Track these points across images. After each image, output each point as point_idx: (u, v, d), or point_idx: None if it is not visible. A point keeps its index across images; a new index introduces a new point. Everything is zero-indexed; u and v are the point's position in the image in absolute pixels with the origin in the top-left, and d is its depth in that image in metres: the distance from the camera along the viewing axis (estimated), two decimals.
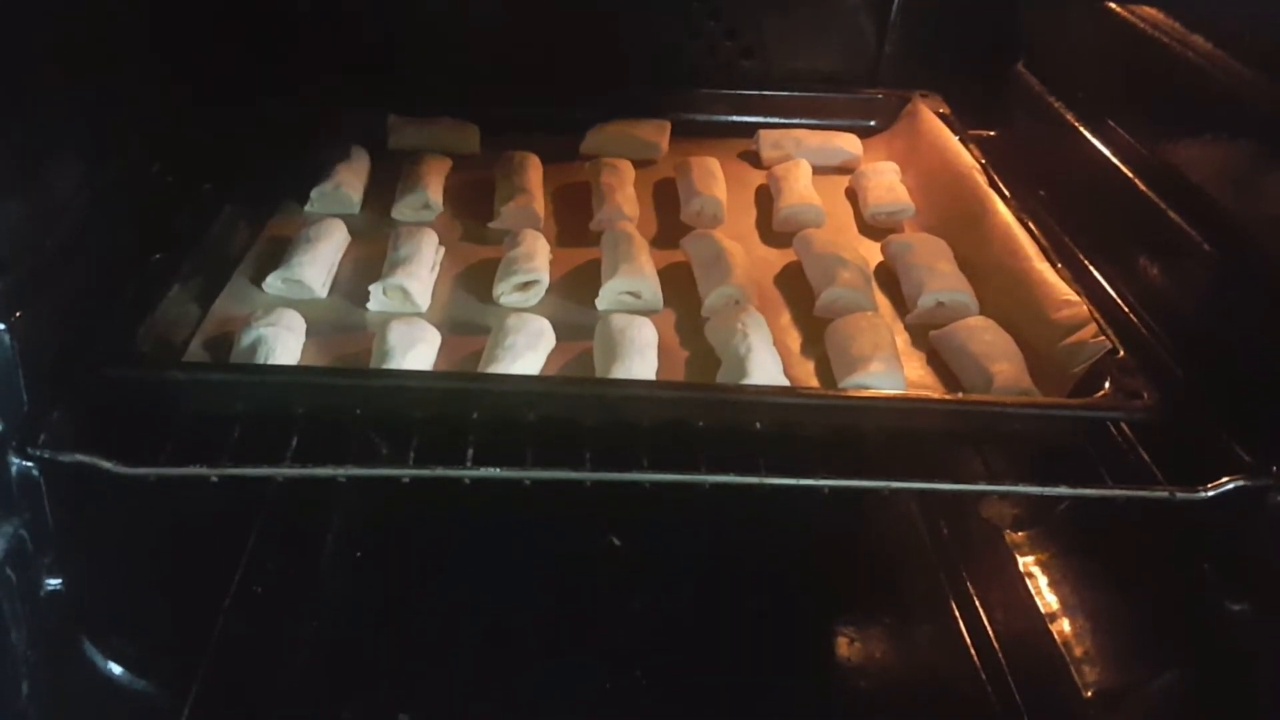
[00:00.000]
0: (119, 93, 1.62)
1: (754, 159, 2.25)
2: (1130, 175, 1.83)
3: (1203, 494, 1.41)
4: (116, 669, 1.54)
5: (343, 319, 1.70)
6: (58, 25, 1.45)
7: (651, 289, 1.76)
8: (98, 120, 1.55)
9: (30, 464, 1.31)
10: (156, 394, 1.44)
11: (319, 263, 1.75)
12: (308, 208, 1.96)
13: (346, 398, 1.46)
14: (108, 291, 1.50)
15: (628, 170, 2.10)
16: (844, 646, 1.86)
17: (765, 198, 2.11)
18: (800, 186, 2.05)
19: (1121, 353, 1.53)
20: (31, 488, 1.33)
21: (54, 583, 1.40)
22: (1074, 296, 1.64)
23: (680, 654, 1.80)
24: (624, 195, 2.01)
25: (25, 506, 1.33)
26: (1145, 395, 1.46)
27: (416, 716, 1.67)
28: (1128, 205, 1.81)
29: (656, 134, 2.25)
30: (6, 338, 1.25)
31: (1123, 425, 1.54)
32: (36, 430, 1.32)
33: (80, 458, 1.32)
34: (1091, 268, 1.86)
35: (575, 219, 2.01)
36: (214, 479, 1.37)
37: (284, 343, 1.53)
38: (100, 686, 1.52)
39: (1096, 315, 1.60)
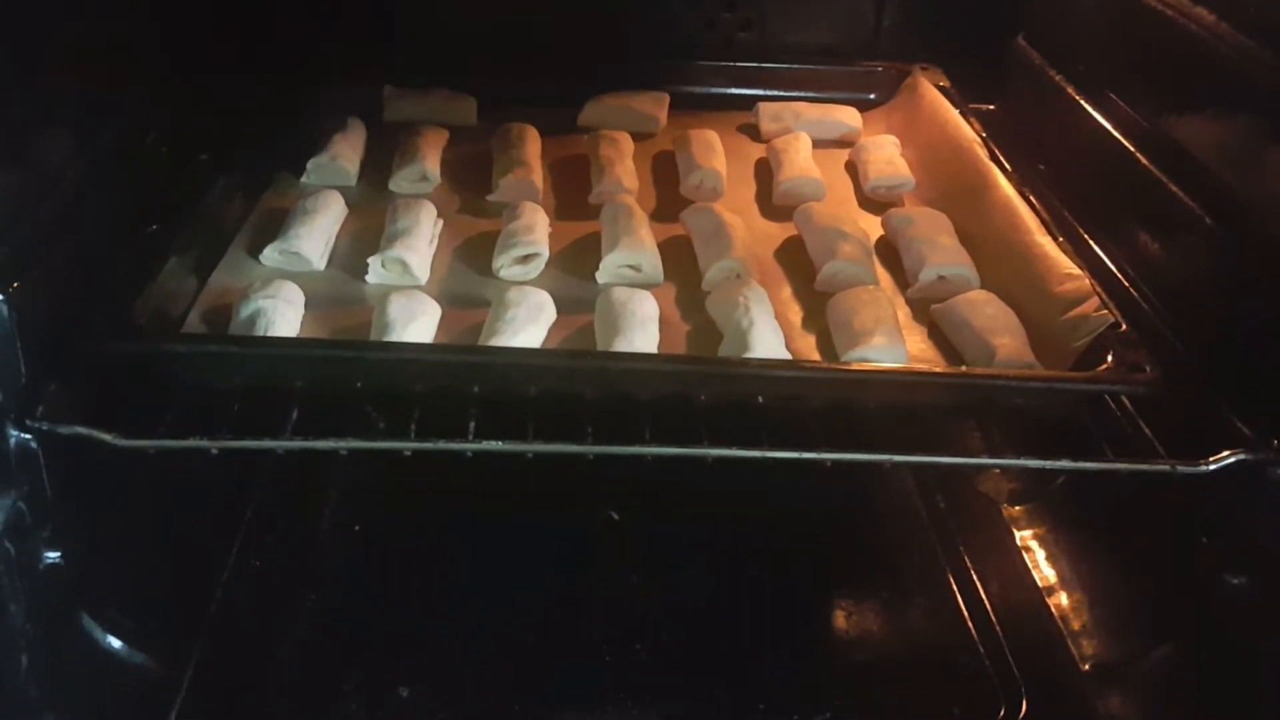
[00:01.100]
0: (112, 63, 1.60)
1: (753, 132, 2.24)
2: (1131, 148, 1.82)
3: (1204, 468, 1.41)
4: (115, 642, 1.54)
5: (341, 291, 1.69)
6: None
7: (652, 262, 1.75)
8: (90, 90, 1.54)
9: (28, 436, 1.31)
10: (155, 366, 1.43)
11: (316, 235, 1.73)
12: (304, 179, 1.95)
13: (347, 370, 1.45)
14: (104, 263, 1.49)
15: (627, 143, 2.09)
16: (842, 620, 1.86)
17: (765, 171, 2.10)
18: (800, 160, 2.04)
19: (1123, 326, 1.53)
20: (30, 460, 1.32)
21: (53, 556, 1.39)
22: (1076, 270, 1.63)
23: (679, 627, 1.80)
24: (623, 168, 2.00)
25: (24, 479, 1.32)
26: (1147, 369, 1.46)
27: (416, 689, 1.67)
28: (1128, 179, 1.80)
29: (655, 107, 2.23)
30: (4, 309, 1.24)
31: (1123, 399, 1.55)
32: (34, 402, 1.31)
33: (79, 430, 1.31)
34: (1091, 241, 1.85)
35: (574, 192, 2.00)
36: (214, 451, 1.36)
37: (283, 315, 1.52)
38: (99, 660, 1.52)
39: (1098, 289, 1.60)
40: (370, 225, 1.81)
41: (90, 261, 1.46)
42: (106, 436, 1.32)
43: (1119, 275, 1.77)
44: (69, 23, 1.47)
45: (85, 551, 1.44)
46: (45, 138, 1.43)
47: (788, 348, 1.56)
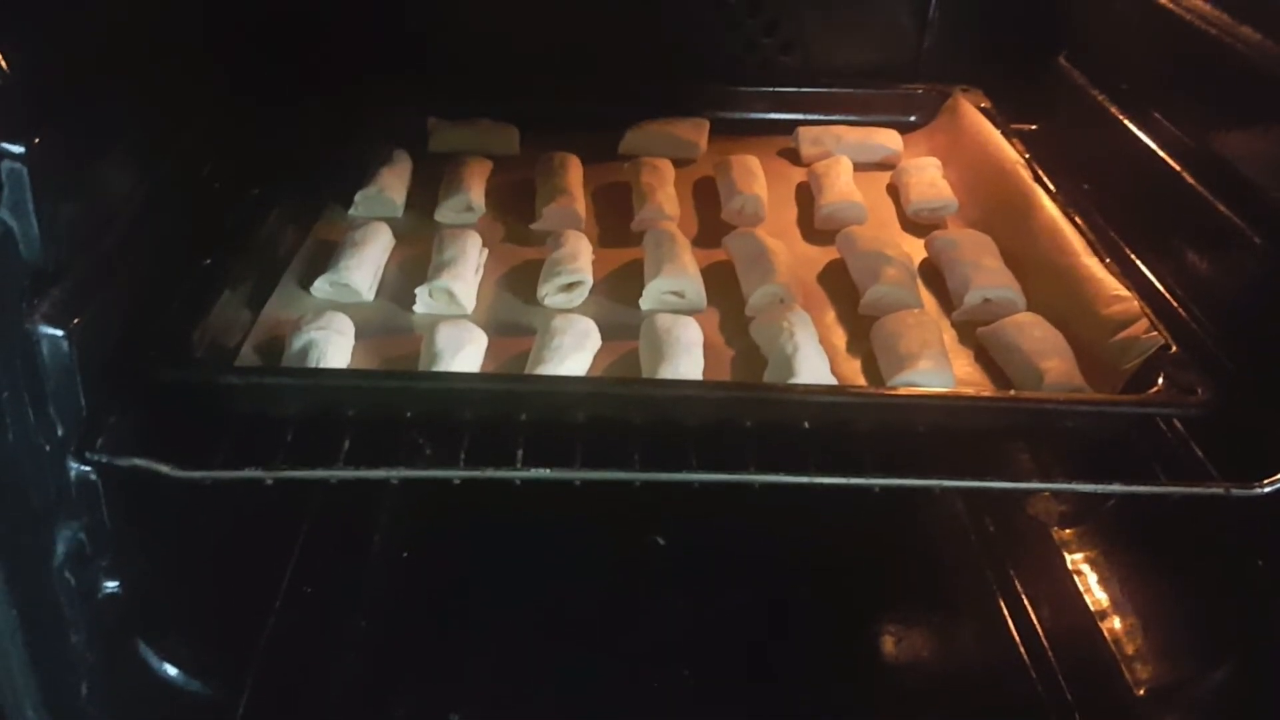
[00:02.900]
0: (169, 96, 1.63)
1: (794, 156, 2.24)
2: (1177, 167, 1.80)
3: (1258, 490, 1.40)
4: (171, 670, 1.55)
5: (390, 321, 1.71)
6: (110, 30, 1.46)
7: (695, 288, 1.76)
8: (149, 123, 1.57)
9: (88, 468, 1.33)
10: (212, 398, 1.46)
11: (366, 266, 1.76)
12: (352, 211, 1.98)
13: (397, 400, 1.47)
14: (160, 296, 1.52)
15: (668, 169, 2.10)
16: (890, 644, 1.85)
17: (806, 195, 2.11)
18: (841, 183, 2.05)
19: (1174, 348, 1.51)
20: (90, 491, 1.35)
21: (111, 585, 1.42)
22: (1124, 291, 1.62)
23: (726, 651, 1.80)
24: (665, 194, 2.01)
25: (84, 510, 1.34)
26: (1199, 391, 1.44)
27: (466, 713, 1.68)
28: (1174, 198, 1.79)
29: (695, 133, 2.25)
30: (65, 344, 1.26)
31: (1175, 421, 1.53)
32: (94, 434, 1.33)
33: (138, 462, 1.34)
34: (1139, 261, 1.84)
35: (616, 219, 2.01)
36: (269, 481, 1.38)
37: (335, 346, 1.54)
38: (156, 687, 1.54)
39: (1147, 310, 1.58)
40: (417, 255, 1.84)
41: (148, 294, 1.49)
42: (164, 468, 1.35)
43: (1167, 295, 1.75)
44: (127, 59, 1.50)
45: (143, 580, 1.46)
46: (104, 173, 1.45)
47: (833, 372, 1.56)
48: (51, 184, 1.22)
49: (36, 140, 1.18)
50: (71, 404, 1.30)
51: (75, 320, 1.27)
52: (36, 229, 1.20)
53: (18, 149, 1.17)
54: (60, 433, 1.28)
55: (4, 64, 1.14)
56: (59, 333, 1.25)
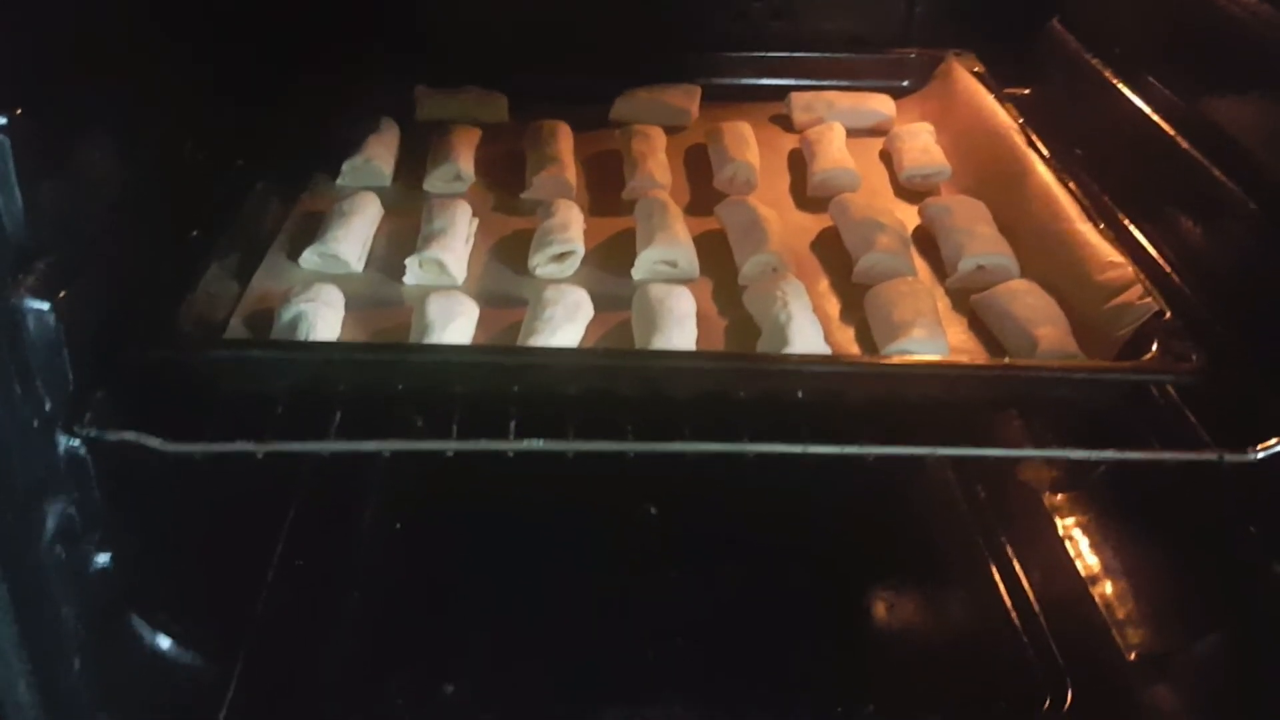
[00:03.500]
0: (152, 72, 1.60)
1: (786, 123, 2.22)
2: (1171, 132, 1.79)
3: (1251, 456, 1.40)
4: (164, 643, 1.55)
5: (380, 293, 1.70)
6: (93, 5, 1.44)
7: (688, 258, 1.75)
8: (128, 99, 1.54)
9: (77, 442, 1.32)
10: (200, 372, 1.45)
11: (354, 237, 1.74)
12: (339, 181, 1.96)
13: (389, 372, 1.46)
14: (146, 270, 1.50)
15: (659, 137, 2.08)
16: (884, 612, 1.86)
17: (798, 162, 2.09)
18: (834, 150, 2.03)
19: (1168, 314, 1.51)
20: (79, 466, 1.34)
21: (102, 559, 1.41)
22: (1118, 257, 1.62)
23: (721, 622, 1.80)
24: (656, 162, 2.00)
25: (73, 485, 1.34)
26: (1193, 357, 1.44)
27: (460, 686, 1.69)
28: (1169, 163, 1.78)
29: (686, 100, 2.23)
30: (51, 318, 1.25)
31: (1168, 388, 1.53)
32: (82, 409, 1.32)
33: (127, 436, 1.33)
34: (1132, 227, 1.83)
35: (607, 188, 2.00)
36: (260, 455, 1.38)
37: (324, 318, 1.53)
38: (148, 661, 1.54)
39: (1141, 276, 1.58)
40: (406, 226, 1.82)
41: (133, 268, 1.47)
42: (154, 442, 1.34)
43: (1161, 261, 1.74)
44: (111, 35, 1.48)
45: (134, 555, 1.45)
46: (86, 148, 1.43)
47: (826, 341, 1.56)
48: (34, 157, 1.20)
49: (19, 113, 1.16)
50: (59, 379, 1.29)
51: (61, 294, 1.26)
52: (20, 203, 1.19)
53: (0, 121, 1.15)
54: (48, 407, 1.27)
55: None
56: (45, 306, 1.24)
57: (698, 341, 1.56)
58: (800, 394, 1.46)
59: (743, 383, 1.47)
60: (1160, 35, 1.90)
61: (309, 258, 1.72)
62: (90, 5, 1.44)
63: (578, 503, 1.90)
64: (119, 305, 1.41)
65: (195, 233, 1.63)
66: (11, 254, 1.20)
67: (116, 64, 1.49)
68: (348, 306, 1.61)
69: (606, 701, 1.68)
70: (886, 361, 1.52)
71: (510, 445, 1.39)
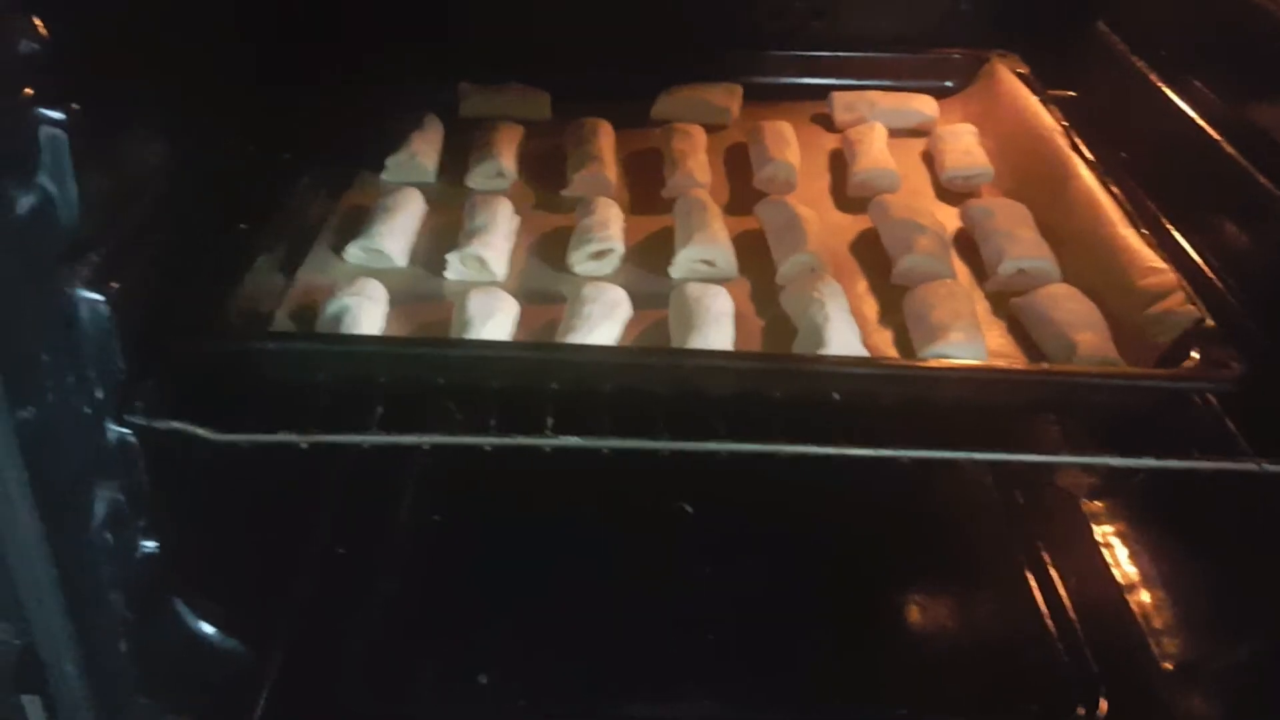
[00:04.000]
0: (202, 68, 1.63)
1: (827, 122, 2.22)
2: (1216, 136, 1.78)
3: None
4: (207, 628, 1.58)
5: (422, 288, 1.72)
6: (146, 3, 1.47)
7: (726, 257, 1.75)
8: (179, 93, 1.57)
9: (127, 431, 1.35)
10: (246, 363, 1.47)
11: (398, 232, 1.77)
12: (384, 176, 1.98)
13: (429, 367, 1.48)
14: (196, 262, 1.53)
15: (699, 136, 2.09)
16: (917, 615, 1.86)
17: (839, 162, 2.09)
18: (875, 150, 2.03)
19: (1209, 321, 1.49)
20: (128, 453, 1.36)
21: (149, 545, 1.43)
22: (1160, 263, 1.60)
23: (752, 619, 1.81)
24: (696, 161, 2.00)
25: (122, 472, 1.37)
26: (1233, 365, 1.43)
27: (494, 676, 1.71)
28: (1213, 167, 1.76)
29: (727, 98, 2.23)
30: (104, 308, 1.27)
31: (1208, 395, 1.51)
32: (132, 398, 1.35)
33: (176, 425, 1.35)
34: (1175, 232, 1.81)
35: (647, 186, 2.00)
36: (303, 446, 1.40)
37: (367, 312, 1.55)
38: (192, 645, 1.57)
39: (1183, 283, 1.57)
40: (449, 221, 1.84)
41: (183, 260, 1.50)
42: (201, 431, 1.37)
43: (1204, 267, 1.73)
44: (162, 31, 1.51)
45: (179, 541, 1.48)
46: (136, 142, 1.46)
47: (864, 343, 1.56)
48: (90, 151, 1.23)
49: (75, 107, 1.19)
50: (110, 368, 1.32)
51: (113, 285, 1.29)
52: (75, 195, 1.21)
53: (58, 115, 1.18)
54: (99, 396, 1.30)
55: (45, 33, 1.15)
56: (98, 297, 1.27)
57: (735, 341, 1.57)
58: (836, 395, 1.46)
59: (778, 383, 1.47)
60: (1205, 38, 1.88)
61: (354, 252, 1.74)
62: (146, 4, 1.48)
63: (612, 498, 1.91)
64: (168, 296, 1.44)
65: (243, 225, 1.65)
66: (66, 245, 1.23)
67: (168, 58, 1.52)
68: (391, 301, 1.64)
69: (635, 694, 1.70)
70: (923, 364, 1.52)
71: (546, 441, 1.41)
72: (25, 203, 1.16)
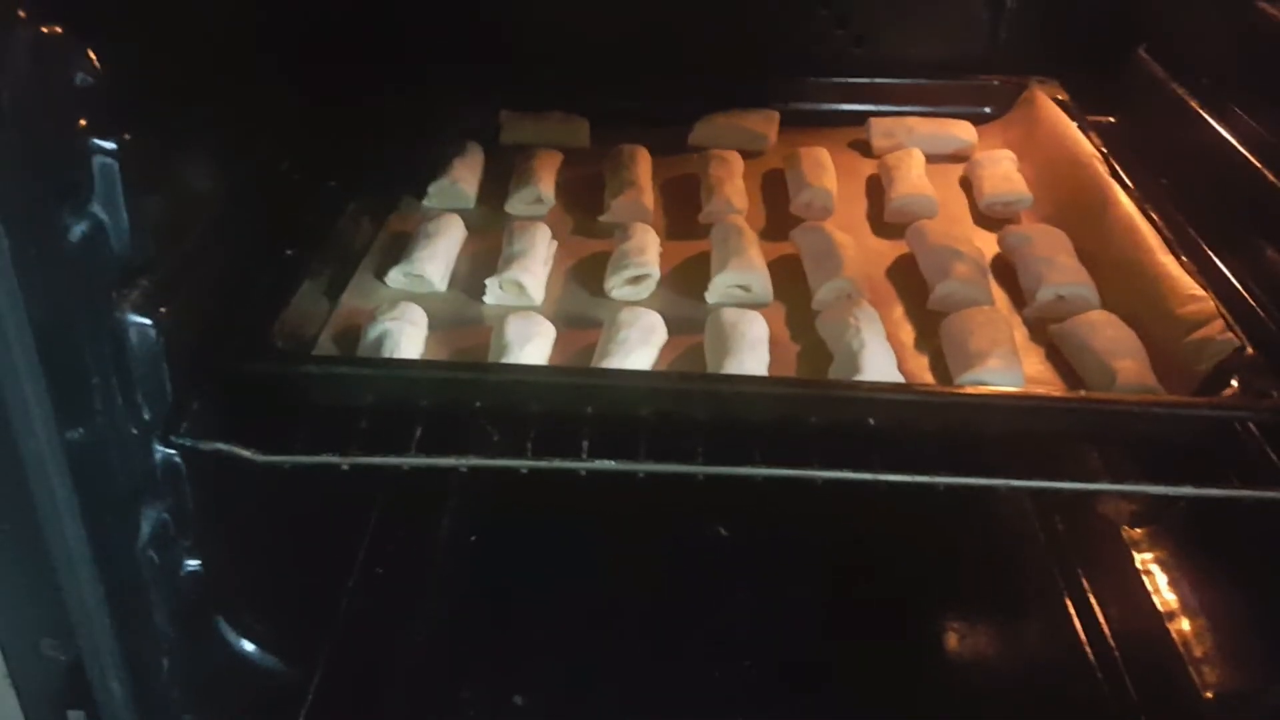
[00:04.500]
0: (251, 96, 1.68)
1: (864, 148, 2.22)
2: (1256, 164, 1.76)
3: None
4: (249, 646, 1.60)
5: (461, 312, 1.75)
6: (196, 33, 1.51)
7: (762, 282, 1.76)
8: (232, 122, 1.61)
9: (173, 452, 1.38)
10: (290, 386, 1.50)
11: (439, 257, 1.79)
12: (426, 202, 2.01)
13: (468, 391, 1.50)
14: (243, 286, 1.56)
15: (736, 162, 2.10)
16: (955, 641, 1.85)
17: (876, 188, 2.09)
18: (913, 176, 2.03)
19: (1249, 350, 1.49)
20: (174, 474, 1.39)
21: (193, 564, 1.46)
22: (1199, 291, 1.59)
23: (789, 644, 1.81)
24: (733, 187, 2.01)
25: (168, 492, 1.39)
26: (1275, 394, 1.42)
27: (530, 698, 1.72)
28: (1254, 194, 1.75)
29: (765, 125, 2.24)
30: (153, 332, 1.30)
31: (1249, 423, 1.50)
32: (179, 420, 1.38)
33: (221, 446, 1.38)
34: (1216, 259, 1.80)
35: (684, 211, 2.02)
36: (345, 467, 1.42)
37: (408, 336, 1.58)
38: (234, 663, 1.59)
39: (1223, 310, 1.56)
40: (488, 247, 1.86)
41: (230, 284, 1.54)
42: (245, 453, 1.40)
43: (1245, 294, 1.71)
44: (212, 61, 1.55)
45: (222, 560, 1.51)
46: (190, 170, 1.50)
47: (900, 369, 1.56)
48: (141, 179, 1.26)
49: (127, 137, 1.22)
50: (158, 390, 1.35)
51: (162, 310, 1.32)
52: (127, 223, 1.24)
53: (110, 145, 1.21)
54: (147, 418, 1.33)
55: (98, 64, 1.18)
56: (147, 322, 1.30)
57: (770, 366, 1.57)
58: (872, 421, 1.47)
59: (813, 409, 1.47)
60: (1247, 66, 1.87)
61: (395, 277, 1.77)
62: (194, 31, 1.52)
63: (648, 521, 1.92)
64: (216, 320, 1.47)
65: (289, 251, 1.68)
66: (117, 271, 1.27)
67: (218, 87, 1.56)
68: (431, 325, 1.66)
69: (672, 718, 1.70)
70: (959, 391, 1.52)
71: (583, 465, 1.42)
72: (78, 230, 1.19)
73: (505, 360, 1.55)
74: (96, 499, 1.24)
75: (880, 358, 1.54)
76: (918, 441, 1.46)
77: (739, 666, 1.77)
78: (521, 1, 2.31)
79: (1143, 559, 1.93)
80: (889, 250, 1.91)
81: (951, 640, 1.85)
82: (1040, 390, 1.55)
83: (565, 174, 2.11)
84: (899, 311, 1.75)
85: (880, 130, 2.22)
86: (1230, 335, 1.50)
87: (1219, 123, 1.89)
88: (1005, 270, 1.83)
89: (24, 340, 1.10)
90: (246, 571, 1.59)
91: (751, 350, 1.56)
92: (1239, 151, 1.81)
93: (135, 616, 1.35)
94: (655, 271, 1.79)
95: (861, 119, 2.26)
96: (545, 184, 2.03)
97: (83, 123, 1.19)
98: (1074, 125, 2.08)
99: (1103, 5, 2.25)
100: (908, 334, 1.70)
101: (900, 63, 2.37)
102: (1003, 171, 2.05)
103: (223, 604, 1.56)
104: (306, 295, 1.64)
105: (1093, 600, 1.89)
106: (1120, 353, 1.54)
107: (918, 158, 2.09)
